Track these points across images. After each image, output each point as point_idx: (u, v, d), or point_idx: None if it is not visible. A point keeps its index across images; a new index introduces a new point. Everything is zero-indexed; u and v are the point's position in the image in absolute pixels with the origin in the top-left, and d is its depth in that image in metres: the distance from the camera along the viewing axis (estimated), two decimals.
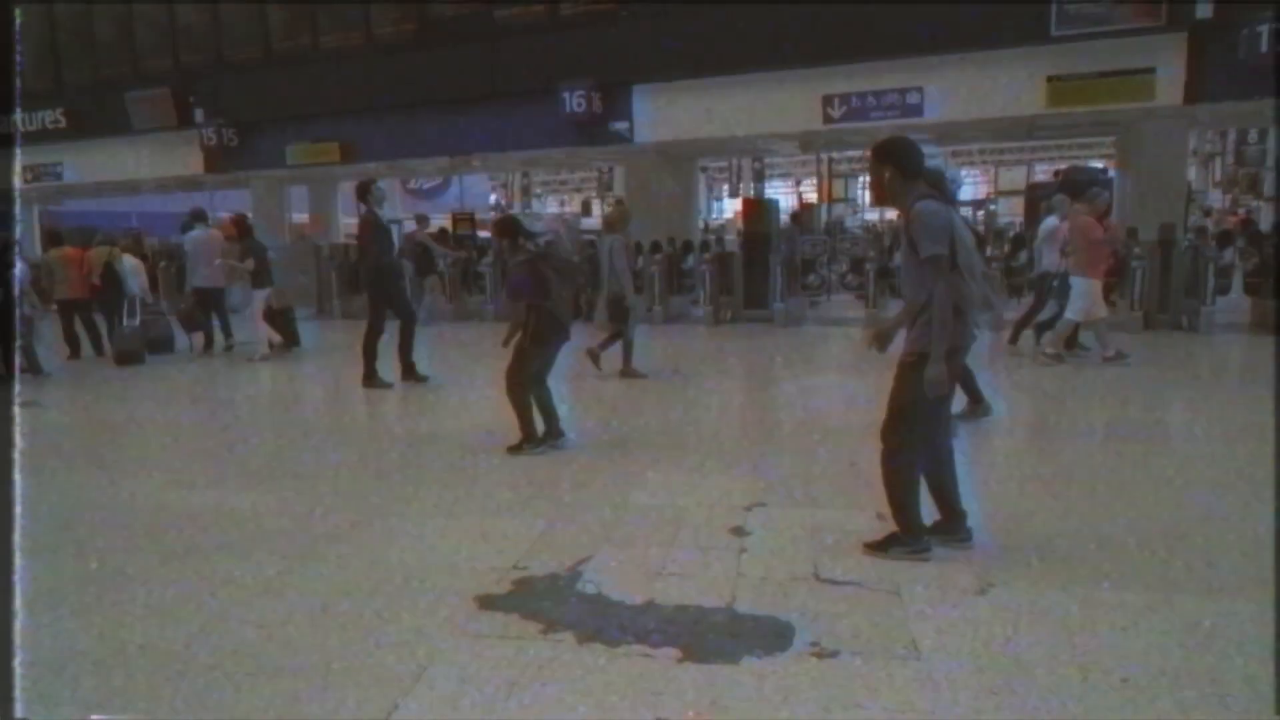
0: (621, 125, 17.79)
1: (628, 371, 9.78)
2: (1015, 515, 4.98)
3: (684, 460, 6.17)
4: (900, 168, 4.10)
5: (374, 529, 4.95)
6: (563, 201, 57.81)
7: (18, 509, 4.64)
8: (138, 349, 12.11)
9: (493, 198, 48.85)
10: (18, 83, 18.15)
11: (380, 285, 9.47)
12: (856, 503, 5.07)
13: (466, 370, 10.94)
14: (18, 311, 10.15)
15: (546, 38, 17.88)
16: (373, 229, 9.43)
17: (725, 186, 44.21)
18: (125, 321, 12.24)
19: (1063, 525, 4.83)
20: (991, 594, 3.95)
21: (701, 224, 21.88)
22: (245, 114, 21.58)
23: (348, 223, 28.24)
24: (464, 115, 19.07)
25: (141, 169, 23.68)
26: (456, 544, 4.69)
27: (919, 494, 4.29)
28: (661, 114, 17.62)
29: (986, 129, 17.83)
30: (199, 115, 21.81)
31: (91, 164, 24.17)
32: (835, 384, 9.58)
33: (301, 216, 24.94)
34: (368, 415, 8.46)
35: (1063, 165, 35.69)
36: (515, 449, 6.49)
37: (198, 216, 13.05)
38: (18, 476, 5.05)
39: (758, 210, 17.31)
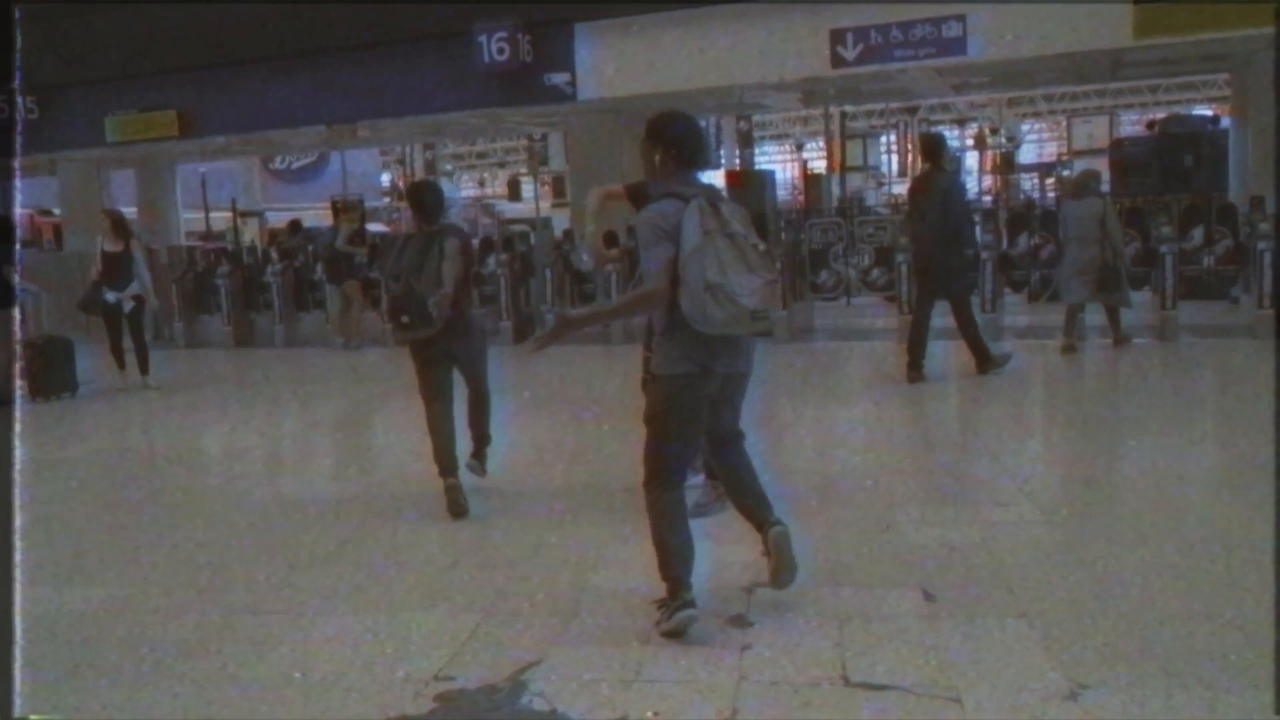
0: (560, 78, 14.80)
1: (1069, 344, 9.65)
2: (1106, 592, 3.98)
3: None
4: (679, 155, 3.68)
5: (241, 632, 4.09)
6: (482, 180, 49.46)
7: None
8: None
9: (386, 178, 41.87)
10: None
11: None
12: (897, 578, 4.25)
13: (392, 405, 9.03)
14: None
15: None
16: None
17: None
18: None
19: (1174, 608, 3.83)
20: (1084, 698, 3.21)
21: None
22: (47, 74, 17.18)
23: (190, 218, 24.51)
24: (345, 70, 15.74)
25: None
26: (356, 646, 3.87)
27: (686, 535, 3.77)
28: (613, 62, 14.67)
29: (1052, 69, 15.51)
30: None
31: None
32: (866, 416, 8.02)
33: (128, 210, 21.57)
34: (226, 476, 7.30)
35: (1159, 114, 30.47)
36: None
37: None
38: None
39: (745, 184, 15.56)
